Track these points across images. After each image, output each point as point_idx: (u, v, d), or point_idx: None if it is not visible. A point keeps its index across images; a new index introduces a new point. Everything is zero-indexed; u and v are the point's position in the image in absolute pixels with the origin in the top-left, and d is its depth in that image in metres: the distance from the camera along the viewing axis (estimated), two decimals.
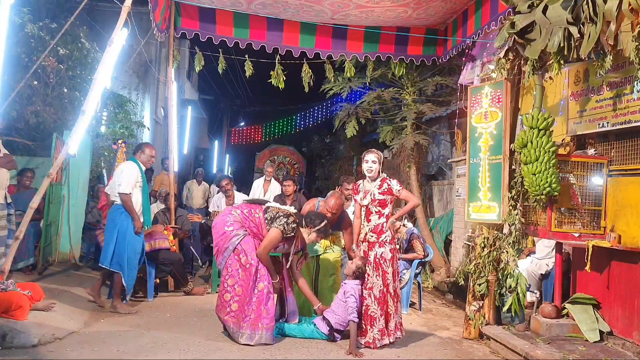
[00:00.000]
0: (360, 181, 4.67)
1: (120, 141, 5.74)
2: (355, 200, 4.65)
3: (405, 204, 4.60)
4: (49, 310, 4.23)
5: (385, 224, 4.42)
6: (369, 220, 4.48)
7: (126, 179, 5.00)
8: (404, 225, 6.26)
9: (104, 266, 4.97)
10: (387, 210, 4.45)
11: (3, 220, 4.79)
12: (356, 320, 4.21)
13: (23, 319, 3.86)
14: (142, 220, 5.17)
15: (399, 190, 4.46)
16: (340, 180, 6.45)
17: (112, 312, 4.86)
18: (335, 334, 4.36)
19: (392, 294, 4.35)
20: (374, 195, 4.46)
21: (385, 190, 4.46)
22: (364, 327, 4.30)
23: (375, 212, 4.45)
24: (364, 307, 4.31)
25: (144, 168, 5.27)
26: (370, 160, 4.47)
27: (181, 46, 10.66)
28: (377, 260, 4.36)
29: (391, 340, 4.29)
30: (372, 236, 4.43)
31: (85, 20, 8.24)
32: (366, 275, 4.37)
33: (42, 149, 6.85)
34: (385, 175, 4.57)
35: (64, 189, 6.68)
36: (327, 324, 4.36)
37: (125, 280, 4.96)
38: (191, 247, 7.17)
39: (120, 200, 5.02)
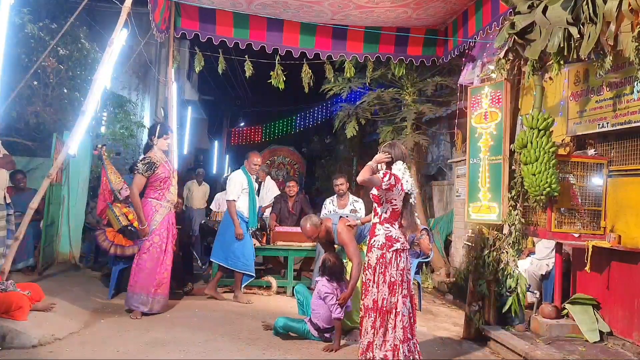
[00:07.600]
0: None
1: (99, 146, 5.70)
2: None
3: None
4: (49, 311, 4.23)
5: (378, 224, 3.79)
6: None
7: (231, 188, 5.78)
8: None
9: (213, 260, 5.77)
10: (380, 210, 3.78)
11: (2, 220, 4.79)
12: (341, 317, 4.24)
13: (23, 319, 3.86)
14: (247, 221, 5.77)
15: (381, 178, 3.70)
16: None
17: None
18: (326, 334, 4.36)
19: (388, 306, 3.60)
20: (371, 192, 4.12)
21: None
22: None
23: (372, 209, 4.03)
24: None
25: (251, 175, 5.91)
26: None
27: (181, 46, 10.62)
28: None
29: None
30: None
31: (85, 20, 8.24)
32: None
33: (42, 150, 6.86)
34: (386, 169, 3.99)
35: (64, 189, 6.67)
36: (314, 326, 4.38)
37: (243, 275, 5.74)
38: (191, 247, 7.16)
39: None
